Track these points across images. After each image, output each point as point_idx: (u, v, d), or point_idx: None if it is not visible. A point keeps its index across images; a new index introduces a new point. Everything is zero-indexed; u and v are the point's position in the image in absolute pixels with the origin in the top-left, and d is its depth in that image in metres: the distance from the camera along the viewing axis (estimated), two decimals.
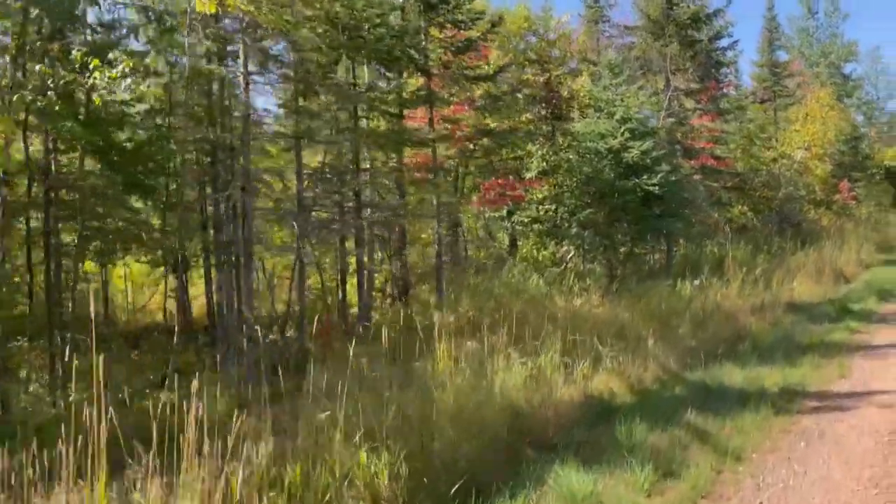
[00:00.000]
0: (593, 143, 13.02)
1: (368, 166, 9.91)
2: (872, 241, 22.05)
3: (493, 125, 12.27)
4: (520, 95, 14.53)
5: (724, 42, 16.21)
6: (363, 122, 9.91)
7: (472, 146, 13.54)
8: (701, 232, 18.75)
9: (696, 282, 11.63)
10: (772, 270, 13.98)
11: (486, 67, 11.40)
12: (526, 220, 13.82)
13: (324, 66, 8.90)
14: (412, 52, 9.14)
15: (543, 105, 14.88)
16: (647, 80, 15.96)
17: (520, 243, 15.15)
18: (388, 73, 9.70)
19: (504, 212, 14.75)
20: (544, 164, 13.69)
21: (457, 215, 15.00)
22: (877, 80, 42.24)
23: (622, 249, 14.42)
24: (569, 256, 14.07)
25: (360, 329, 9.49)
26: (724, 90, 18.72)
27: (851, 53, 32.41)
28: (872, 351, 7.68)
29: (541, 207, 13.76)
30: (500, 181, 13.16)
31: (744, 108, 21.93)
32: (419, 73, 9.78)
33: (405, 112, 10.97)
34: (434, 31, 10.00)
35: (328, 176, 9.31)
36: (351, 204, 9.37)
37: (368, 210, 10.18)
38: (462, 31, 10.13)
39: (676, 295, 10.95)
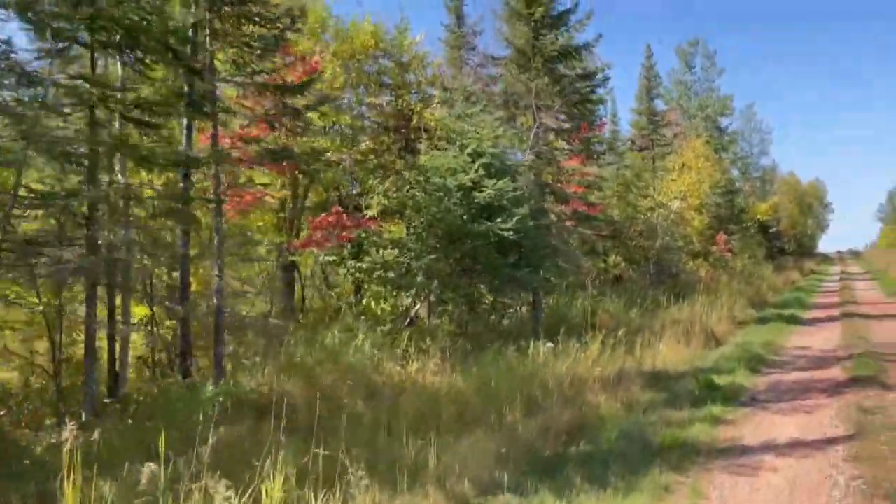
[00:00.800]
0: (441, 180, 11.18)
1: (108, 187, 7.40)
2: (746, 295, 21.58)
3: (308, 147, 10.12)
4: (366, 122, 12.57)
5: (595, 80, 14.95)
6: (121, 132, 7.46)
7: (301, 176, 11.36)
8: (573, 283, 17.43)
9: (550, 344, 9.83)
10: (640, 328, 12.52)
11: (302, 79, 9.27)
12: (365, 266, 11.67)
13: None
14: (173, 41, 6.88)
15: (394, 134, 13.00)
16: (514, 115, 14.45)
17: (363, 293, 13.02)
18: (146, 69, 7.35)
19: (344, 254, 12.60)
20: (386, 201, 11.70)
21: (286, 258, 12.68)
22: (750, 136, 44.14)
23: (483, 302, 12.64)
24: (414, 310, 12.03)
25: (86, 414, 6.89)
26: (598, 132, 17.64)
27: (726, 108, 33.29)
28: (740, 458, 5.95)
29: (383, 251, 11.68)
30: (329, 218, 10.99)
31: (619, 151, 21.12)
32: (185, 73, 7.54)
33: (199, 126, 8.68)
34: (221, 24, 7.83)
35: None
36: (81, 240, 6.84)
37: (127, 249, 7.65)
38: (257, 27, 8.02)
39: (523, 362, 9.08)
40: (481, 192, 11.13)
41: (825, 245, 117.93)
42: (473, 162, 11.28)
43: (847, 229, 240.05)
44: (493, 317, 13.24)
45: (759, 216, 48.22)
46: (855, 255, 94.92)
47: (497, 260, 11.31)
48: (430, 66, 13.67)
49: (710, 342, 13.06)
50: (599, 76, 15.05)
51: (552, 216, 15.00)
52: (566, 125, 15.12)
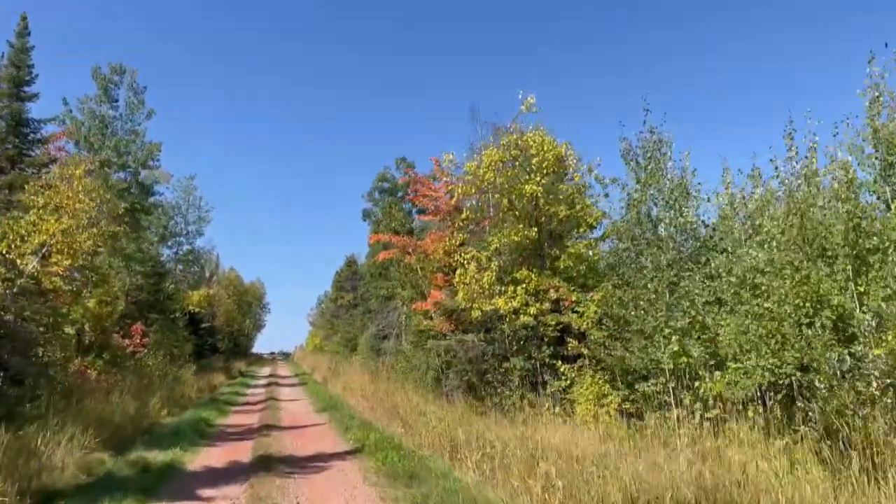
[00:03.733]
0: None
1: None
2: (116, 419, 13.03)
3: None
4: None
5: None
6: None
7: None
8: None
9: None
10: None
11: None
12: None
13: None
14: None
15: None
16: None
17: None
18: None
19: None
20: None
21: None
22: (187, 212, 37.61)
23: None
24: None
25: None
26: None
27: (152, 156, 25.62)
28: None
29: None
30: None
31: None
32: None
33: None
34: None
35: None
36: None
37: None
38: None
39: None
40: None
41: (260, 345, 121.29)
42: None
43: (283, 330, 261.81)
44: None
45: (190, 307, 41.45)
46: (286, 356, 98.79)
47: None
48: None
49: None
50: None
51: None
52: None
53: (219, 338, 54.45)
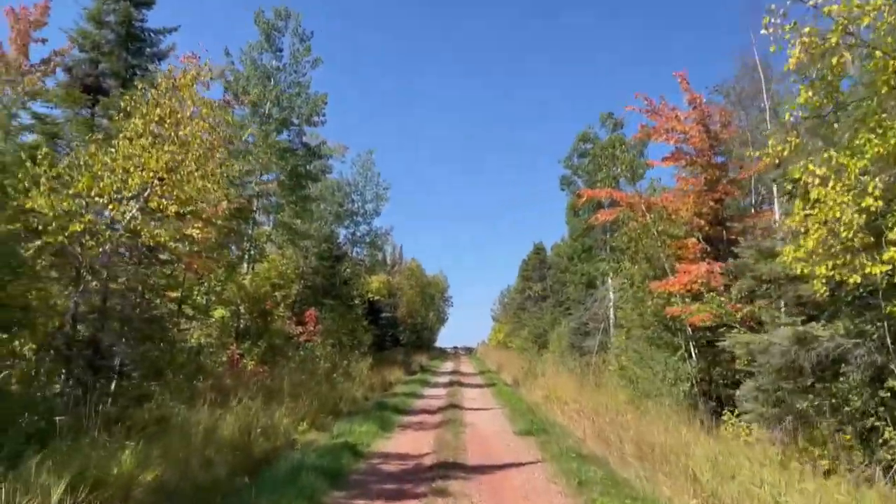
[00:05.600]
0: None
1: None
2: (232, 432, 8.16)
3: None
4: None
5: None
6: None
7: None
8: None
9: None
10: None
11: None
12: None
13: None
14: None
15: None
16: None
17: None
18: None
19: None
20: None
21: None
22: (364, 189, 34.00)
23: None
24: None
25: None
26: None
27: (317, 109, 21.55)
28: None
29: None
30: None
31: None
32: None
33: None
34: None
35: None
36: None
37: None
38: None
39: None
40: None
41: (441, 340, 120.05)
42: None
43: (464, 324, 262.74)
44: None
45: (370, 294, 38.02)
46: (469, 351, 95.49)
47: None
48: None
49: None
50: None
51: None
52: None
53: (400, 329, 51.31)
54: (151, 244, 11.29)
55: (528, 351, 43.40)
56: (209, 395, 11.77)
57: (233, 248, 20.74)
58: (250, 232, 21.08)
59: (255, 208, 20.99)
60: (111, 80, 13.49)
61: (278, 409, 11.00)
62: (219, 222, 16.68)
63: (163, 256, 13.68)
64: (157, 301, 13.91)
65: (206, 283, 18.10)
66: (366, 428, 12.17)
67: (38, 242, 10.42)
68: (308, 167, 23.08)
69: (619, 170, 17.30)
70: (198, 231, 15.40)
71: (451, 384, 29.03)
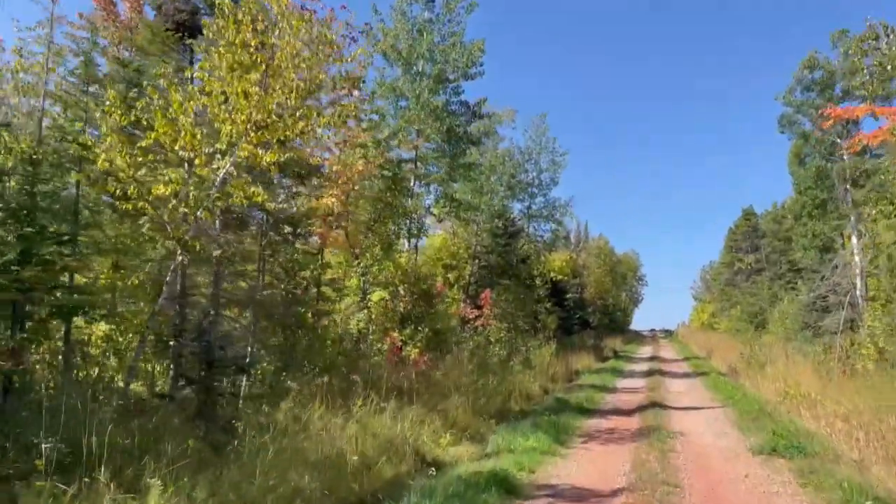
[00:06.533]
0: None
1: None
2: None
3: None
4: None
5: None
6: None
7: None
8: None
9: None
10: None
11: None
12: None
13: None
14: None
15: None
16: None
17: None
18: None
19: None
20: None
21: None
22: (539, 157, 30.54)
23: None
24: None
25: None
26: None
27: (473, 59, 18.63)
28: None
29: None
30: None
31: None
32: None
33: None
34: None
35: None
36: None
37: None
38: None
39: None
40: None
41: (636, 322, 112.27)
42: None
43: (660, 305, 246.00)
44: None
45: (551, 273, 34.54)
46: (668, 333, 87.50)
47: None
48: None
49: None
50: None
51: None
52: None
53: (589, 311, 47.08)
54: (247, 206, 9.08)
55: (742, 332, 37.19)
56: (364, 392, 9.36)
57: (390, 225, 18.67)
58: (408, 204, 18.78)
59: (410, 178, 18.68)
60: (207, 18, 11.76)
61: (407, 416, 8.19)
62: (364, 192, 14.55)
63: (287, 229, 11.65)
64: (288, 282, 11.96)
65: (360, 263, 16.16)
66: (533, 441, 8.98)
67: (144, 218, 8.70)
68: (468, 129, 20.30)
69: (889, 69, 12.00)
70: (333, 199, 13.31)
71: (650, 373, 24.72)
